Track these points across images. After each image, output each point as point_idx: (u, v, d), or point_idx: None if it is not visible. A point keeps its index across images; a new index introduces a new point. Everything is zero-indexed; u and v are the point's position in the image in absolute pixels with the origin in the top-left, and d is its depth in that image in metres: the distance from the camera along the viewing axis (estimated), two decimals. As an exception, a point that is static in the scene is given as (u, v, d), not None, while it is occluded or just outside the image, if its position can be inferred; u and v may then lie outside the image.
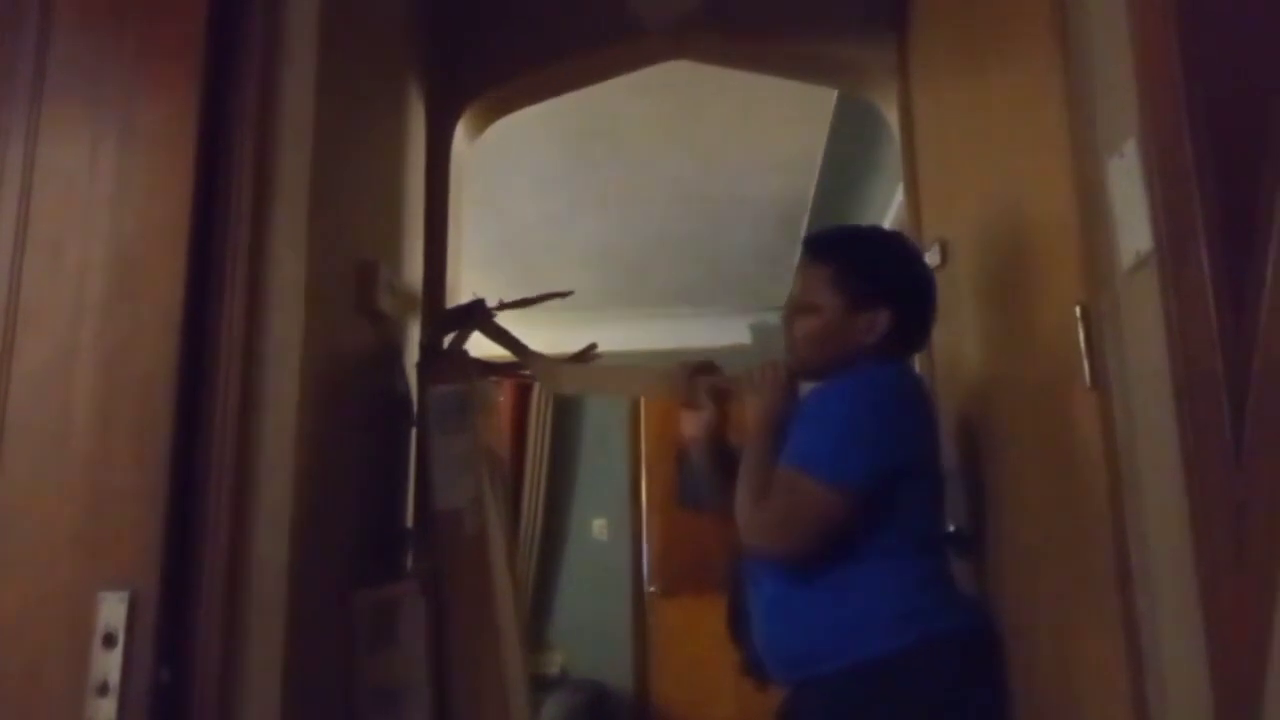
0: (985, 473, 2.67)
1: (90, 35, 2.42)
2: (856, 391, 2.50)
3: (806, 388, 2.65)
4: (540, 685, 7.62)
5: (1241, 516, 1.38)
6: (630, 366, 3.47)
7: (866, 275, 2.58)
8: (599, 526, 8.94)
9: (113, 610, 2.06)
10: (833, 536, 2.37)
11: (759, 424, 2.59)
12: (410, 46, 3.46)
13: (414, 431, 3.15)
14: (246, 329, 2.27)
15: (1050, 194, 2.17)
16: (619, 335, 9.04)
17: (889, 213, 5.26)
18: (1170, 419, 1.59)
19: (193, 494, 2.17)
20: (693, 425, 2.94)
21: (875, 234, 2.85)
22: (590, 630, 8.62)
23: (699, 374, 2.93)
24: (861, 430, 2.43)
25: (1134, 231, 1.70)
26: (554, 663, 8.36)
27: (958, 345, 2.98)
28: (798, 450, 2.44)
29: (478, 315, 3.28)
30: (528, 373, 3.36)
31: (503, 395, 8.60)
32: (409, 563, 3.05)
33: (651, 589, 8.74)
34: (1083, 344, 1.99)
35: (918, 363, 3.37)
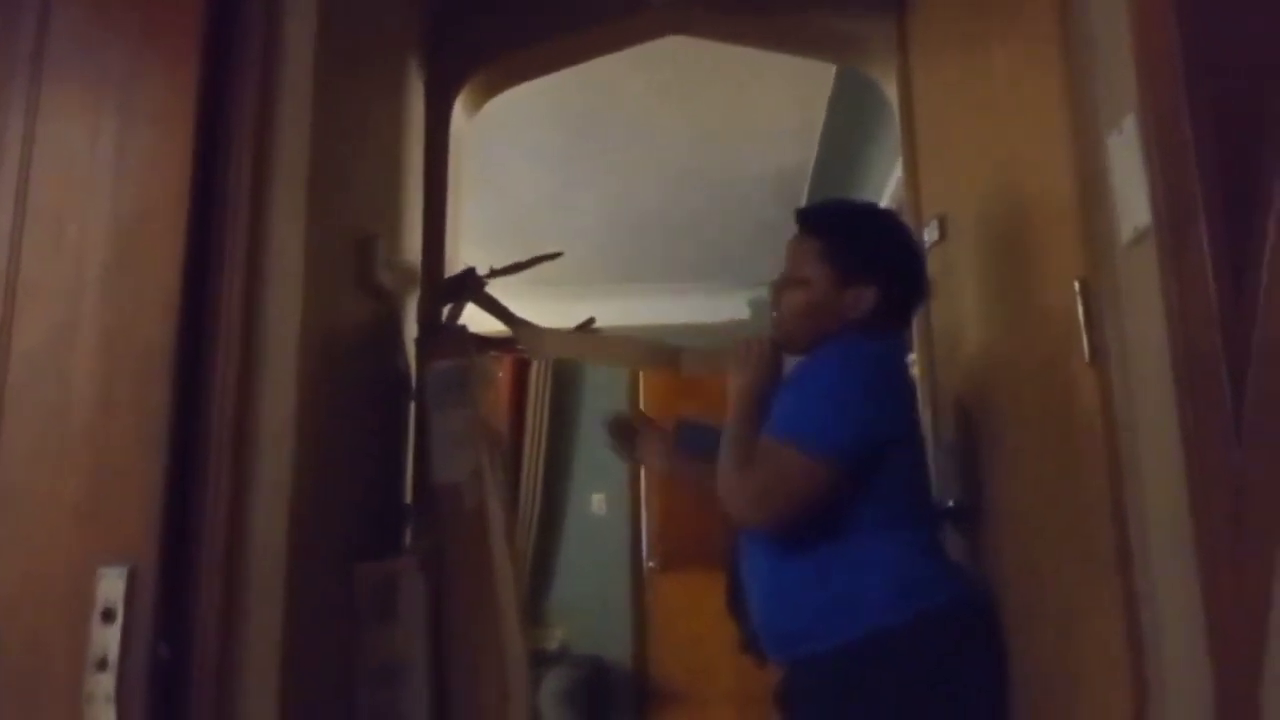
0: (985, 448, 2.67)
1: (90, 11, 2.42)
2: (842, 364, 2.50)
3: (791, 362, 2.65)
4: (540, 660, 7.64)
5: (1240, 494, 1.38)
6: (617, 336, 3.47)
7: (856, 250, 2.58)
8: (598, 501, 8.95)
9: (112, 585, 2.06)
10: (815, 507, 2.38)
11: (742, 396, 2.59)
12: (409, 22, 3.45)
13: (413, 406, 3.15)
14: (245, 305, 2.26)
15: (1050, 169, 2.17)
16: (618, 310, 9.05)
17: (888, 188, 5.25)
18: (1170, 395, 1.59)
19: (192, 469, 2.18)
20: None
21: (867, 209, 2.85)
22: (589, 605, 8.64)
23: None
24: (845, 401, 2.43)
25: (1133, 207, 1.70)
26: (553, 638, 8.38)
27: (957, 321, 2.98)
28: (782, 420, 2.46)
29: (470, 285, 3.27)
30: (521, 346, 3.36)
31: (501, 370, 8.61)
32: (408, 538, 3.05)
33: (650, 564, 8.76)
34: (1082, 319, 1.99)
35: (916, 341, 3.37)
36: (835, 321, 2.56)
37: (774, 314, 2.69)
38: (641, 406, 8.92)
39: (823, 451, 2.36)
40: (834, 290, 2.55)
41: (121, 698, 2.02)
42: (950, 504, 2.77)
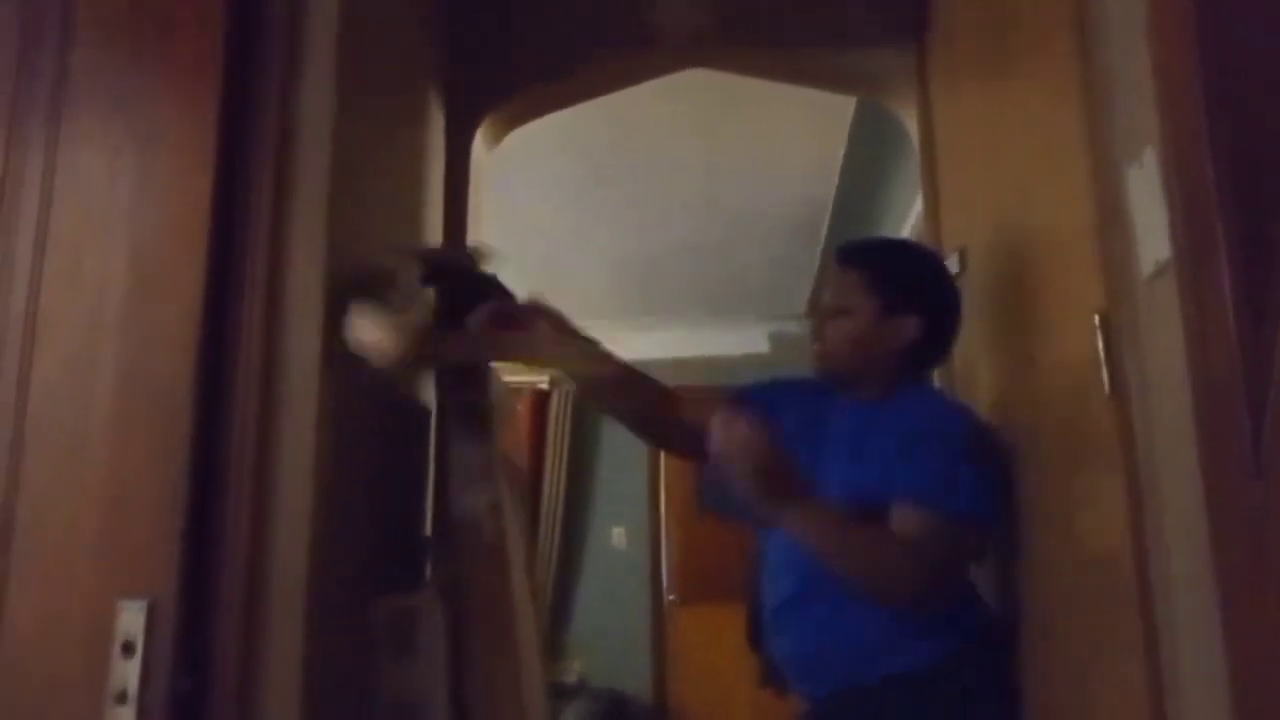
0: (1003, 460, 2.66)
1: (110, 44, 2.43)
2: (954, 417, 2.56)
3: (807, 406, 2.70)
4: (559, 694, 7.63)
5: (1262, 527, 1.37)
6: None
7: (900, 281, 2.59)
8: (618, 535, 8.95)
9: (132, 619, 2.07)
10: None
11: (777, 496, 2.33)
12: (429, 55, 3.47)
13: (433, 438, 3.15)
14: (265, 337, 2.27)
15: (1069, 202, 2.16)
16: (637, 344, 9.08)
17: (908, 221, 5.25)
18: (1190, 429, 1.58)
19: (212, 502, 2.18)
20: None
21: (908, 244, 2.91)
22: (609, 638, 8.63)
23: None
24: (983, 465, 2.44)
25: (1153, 240, 1.70)
26: (573, 671, 8.36)
27: (976, 353, 2.97)
28: (933, 491, 2.38)
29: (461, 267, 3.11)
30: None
31: (521, 403, 8.62)
32: (428, 571, 3.05)
33: (670, 597, 8.75)
34: (1102, 352, 1.98)
35: (935, 374, 3.37)
36: (881, 352, 2.56)
37: (816, 345, 2.66)
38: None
39: (984, 522, 2.44)
40: (879, 320, 2.55)
41: (141, 731, 2.02)
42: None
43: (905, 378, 2.61)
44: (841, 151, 5.82)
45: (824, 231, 6.99)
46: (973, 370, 3.01)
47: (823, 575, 2.42)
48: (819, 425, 2.63)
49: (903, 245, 2.85)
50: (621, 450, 9.07)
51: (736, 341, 8.79)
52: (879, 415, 2.53)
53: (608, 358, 2.79)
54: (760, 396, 2.80)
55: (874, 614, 2.40)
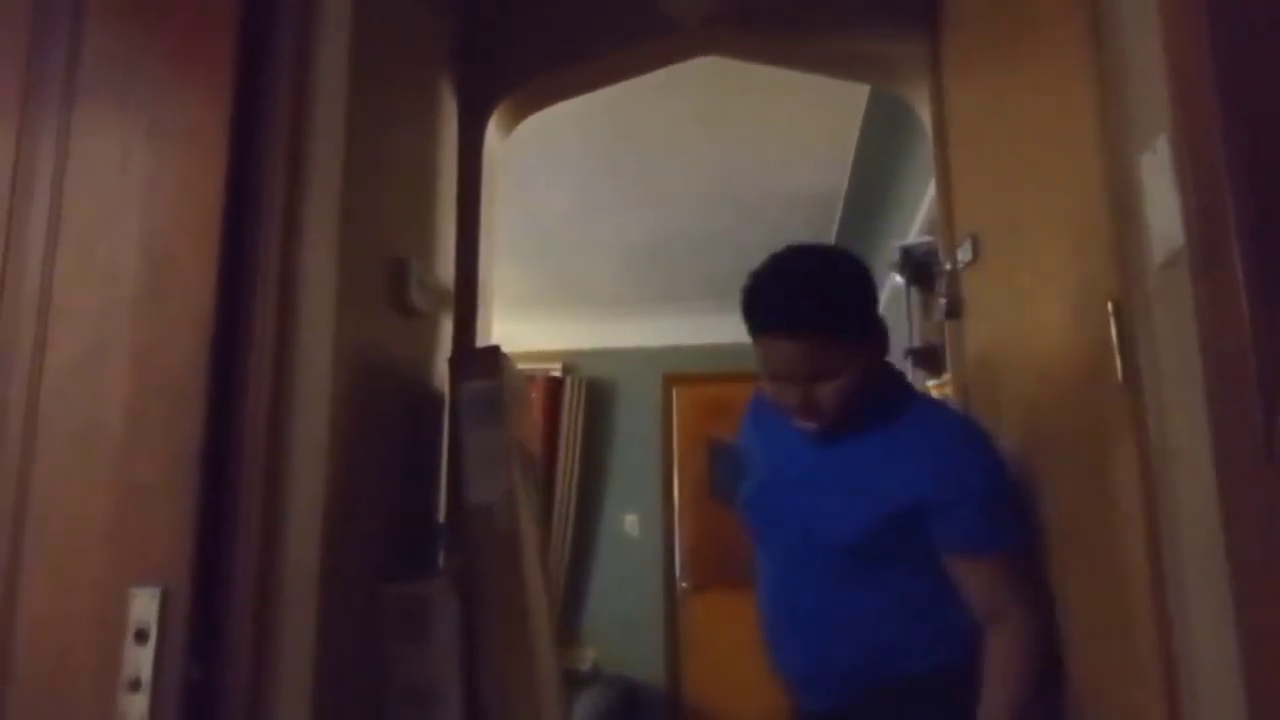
0: (1015, 470, 2.66)
1: (121, 34, 2.43)
2: (974, 439, 2.53)
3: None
4: (572, 681, 7.64)
5: (1274, 514, 1.37)
6: None
7: (857, 320, 2.50)
8: (631, 522, 8.96)
9: (145, 606, 2.07)
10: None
11: None
12: (442, 43, 3.47)
13: (446, 427, 3.15)
14: (278, 325, 2.27)
15: (1082, 190, 2.16)
16: (649, 330, 9.09)
17: (921, 208, 5.24)
18: (1202, 416, 1.58)
19: (224, 490, 2.18)
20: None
21: (835, 273, 2.55)
22: (622, 626, 8.64)
23: None
24: (1010, 488, 2.49)
25: (1166, 228, 1.69)
26: (586, 658, 8.38)
27: (989, 341, 2.97)
28: (997, 535, 2.45)
29: None
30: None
31: (535, 390, 8.63)
32: (441, 559, 3.05)
33: (683, 584, 8.76)
34: (1115, 340, 1.98)
35: (949, 360, 3.36)
36: (863, 383, 2.51)
37: (806, 412, 2.53)
38: (675, 424, 8.93)
39: (1026, 538, 2.50)
40: (859, 358, 2.48)
41: (155, 718, 2.03)
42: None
43: (880, 398, 2.59)
44: (854, 139, 5.81)
45: (837, 219, 6.98)
46: (986, 357, 3.01)
47: (831, 586, 2.53)
48: (792, 459, 2.67)
49: (834, 280, 2.53)
50: (635, 437, 9.08)
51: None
52: (866, 444, 2.55)
53: None
54: (751, 442, 2.89)
55: (888, 621, 2.49)
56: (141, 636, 2.06)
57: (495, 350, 3.18)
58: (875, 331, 2.54)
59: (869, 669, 2.50)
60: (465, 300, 3.56)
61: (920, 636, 2.49)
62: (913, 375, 5.52)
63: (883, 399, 2.58)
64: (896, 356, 6.26)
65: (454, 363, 3.20)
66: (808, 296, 2.45)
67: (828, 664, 2.56)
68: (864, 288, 2.54)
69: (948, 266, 3.33)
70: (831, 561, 2.51)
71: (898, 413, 2.57)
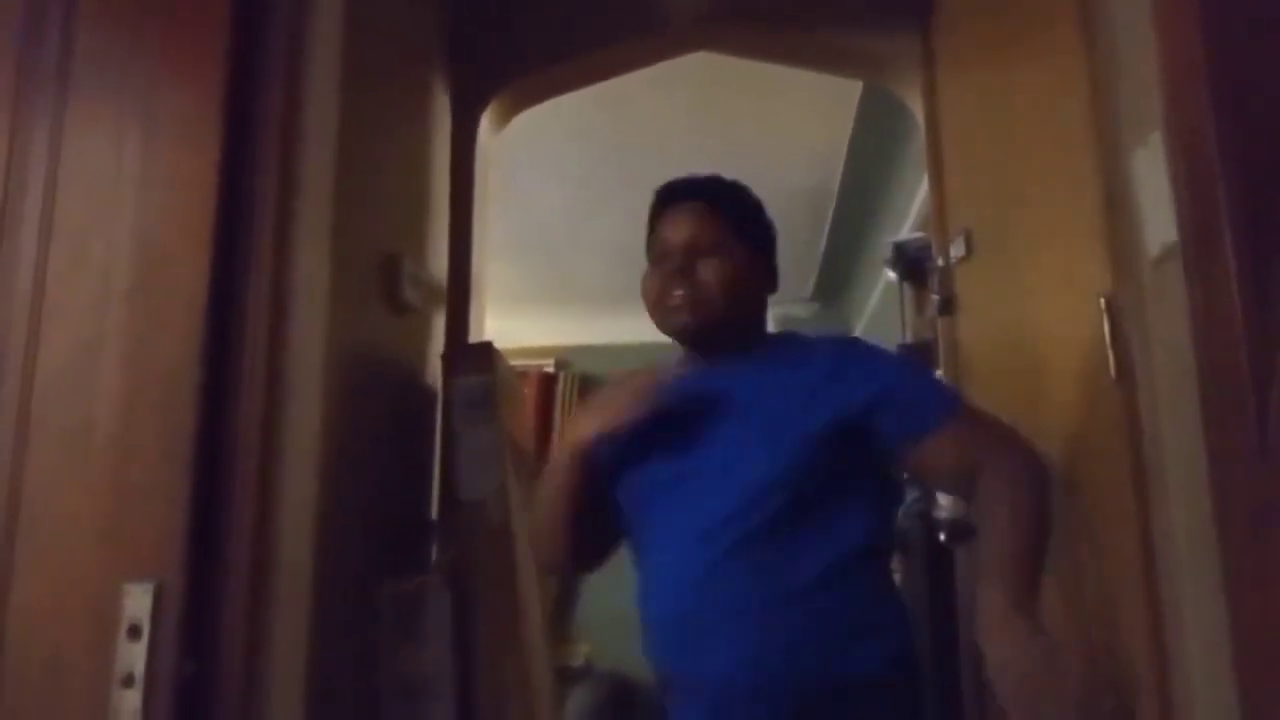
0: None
1: (114, 28, 2.43)
2: (860, 342, 2.43)
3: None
4: (565, 677, 7.63)
5: (1266, 509, 1.37)
6: None
7: (759, 223, 2.45)
8: (624, 517, 8.95)
9: (138, 602, 2.07)
10: None
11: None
12: (435, 39, 3.47)
13: (438, 422, 3.15)
14: (271, 321, 2.27)
15: (1075, 185, 2.16)
16: (642, 327, 9.08)
17: (914, 203, 5.24)
18: (1195, 412, 1.58)
19: (217, 486, 2.18)
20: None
21: (743, 187, 2.51)
22: (615, 621, 8.62)
23: None
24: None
25: (1159, 223, 1.70)
26: (579, 654, 8.37)
27: (981, 337, 2.97)
28: (948, 398, 2.26)
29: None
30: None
31: (528, 386, 8.62)
32: (434, 554, 3.05)
33: (676, 580, 8.74)
34: (1107, 336, 1.98)
35: (942, 356, 3.36)
36: (750, 297, 2.37)
37: (681, 291, 2.30)
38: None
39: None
40: (751, 263, 2.35)
41: (148, 714, 2.03)
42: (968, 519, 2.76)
43: (762, 329, 2.47)
44: (848, 135, 5.81)
45: (830, 215, 6.98)
46: (979, 351, 3.01)
47: (759, 552, 2.09)
48: (681, 419, 2.26)
49: (745, 189, 2.50)
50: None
51: (742, 325, 8.78)
52: (772, 371, 2.28)
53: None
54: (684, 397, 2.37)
55: (838, 588, 2.09)
56: (134, 632, 2.06)
57: (488, 346, 3.18)
58: (771, 258, 2.45)
59: (818, 662, 2.06)
60: (458, 296, 3.56)
61: (881, 610, 2.16)
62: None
63: (765, 333, 2.47)
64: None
65: (446, 359, 3.21)
66: (719, 180, 2.46)
67: (761, 663, 2.05)
68: (767, 216, 2.49)
69: (940, 262, 3.33)
70: (756, 518, 2.09)
71: (786, 340, 2.44)
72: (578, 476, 2.29)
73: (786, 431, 2.14)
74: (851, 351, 2.33)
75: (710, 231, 2.32)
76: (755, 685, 2.06)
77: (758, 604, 2.08)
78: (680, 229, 2.34)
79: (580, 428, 2.29)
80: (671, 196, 2.44)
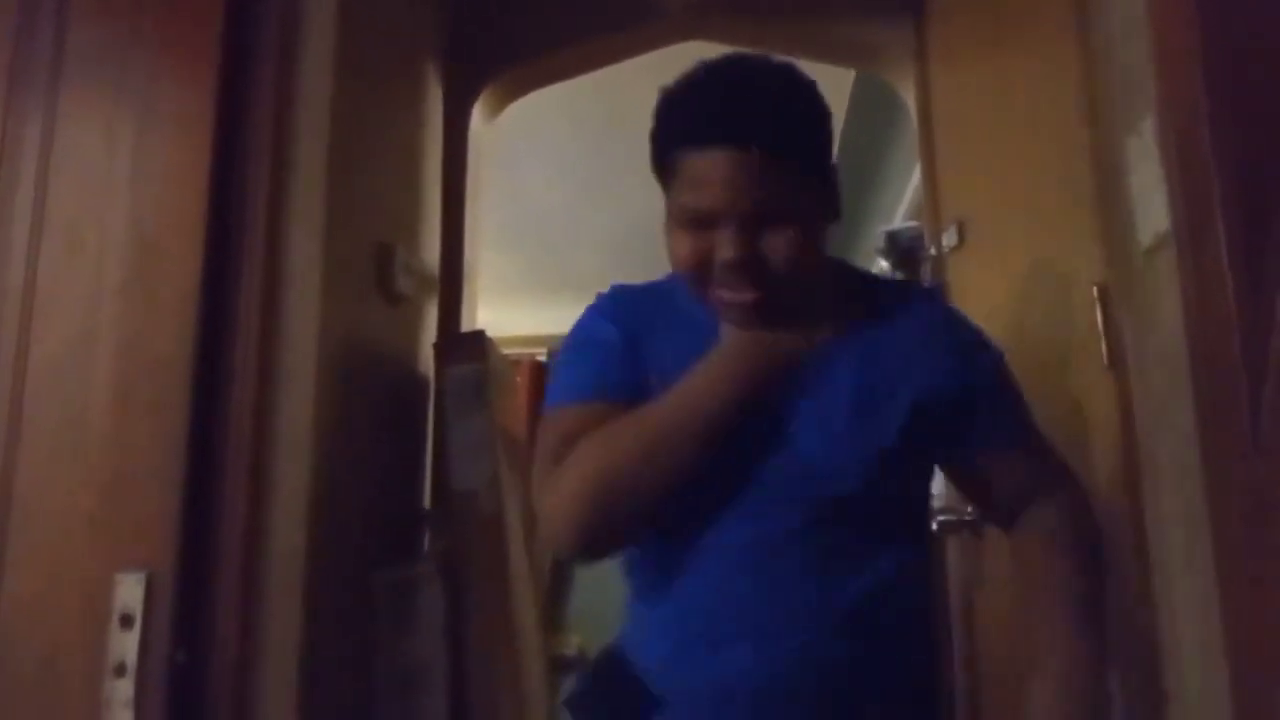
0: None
1: (108, 19, 2.43)
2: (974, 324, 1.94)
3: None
4: (558, 667, 7.64)
5: (1258, 501, 1.37)
6: None
7: (824, 147, 1.77)
8: (616, 506, 8.94)
9: (130, 592, 2.07)
10: None
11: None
12: (427, 28, 3.46)
13: (431, 412, 3.15)
14: (264, 312, 2.27)
15: (1068, 173, 2.16)
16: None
17: (906, 193, 5.24)
18: (1188, 402, 1.58)
19: (210, 476, 2.18)
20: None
21: (794, 80, 1.78)
22: (608, 611, 8.62)
23: None
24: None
25: (1152, 212, 1.69)
26: (571, 644, 8.37)
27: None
28: (1030, 412, 1.89)
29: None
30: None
31: (520, 375, 8.61)
32: (426, 544, 3.05)
33: (669, 570, 8.74)
34: (1100, 324, 1.98)
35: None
36: (823, 250, 1.77)
37: (745, 290, 1.68)
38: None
39: None
40: (813, 212, 1.71)
41: (140, 703, 2.03)
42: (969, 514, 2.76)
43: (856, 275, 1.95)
44: (840, 124, 5.80)
45: (822, 204, 6.97)
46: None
47: (824, 552, 1.68)
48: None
49: (799, 86, 1.77)
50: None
51: (735, 315, 8.78)
52: (853, 338, 1.79)
53: None
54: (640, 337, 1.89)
55: (888, 604, 1.71)
56: (127, 622, 2.06)
57: (480, 335, 3.17)
58: (836, 181, 1.78)
59: (868, 675, 1.70)
60: (450, 286, 3.55)
61: (918, 630, 1.81)
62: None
63: (844, 280, 1.91)
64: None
65: (439, 348, 3.20)
66: (766, 97, 1.70)
67: (817, 665, 1.67)
68: (828, 111, 1.78)
69: (933, 252, 3.33)
70: (824, 515, 1.69)
71: (870, 295, 1.89)
72: (723, 429, 1.69)
73: (881, 419, 1.73)
74: (961, 334, 1.89)
75: (774, 189, 1.63)
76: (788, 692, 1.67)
77: (806, 611, 1.68)
78: (729, 190, 1.63)
79: (760, 357, 1.73)
80: (705, 136, 1.66)
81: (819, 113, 1.76)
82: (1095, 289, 2.00)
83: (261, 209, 2.31)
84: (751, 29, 3.95)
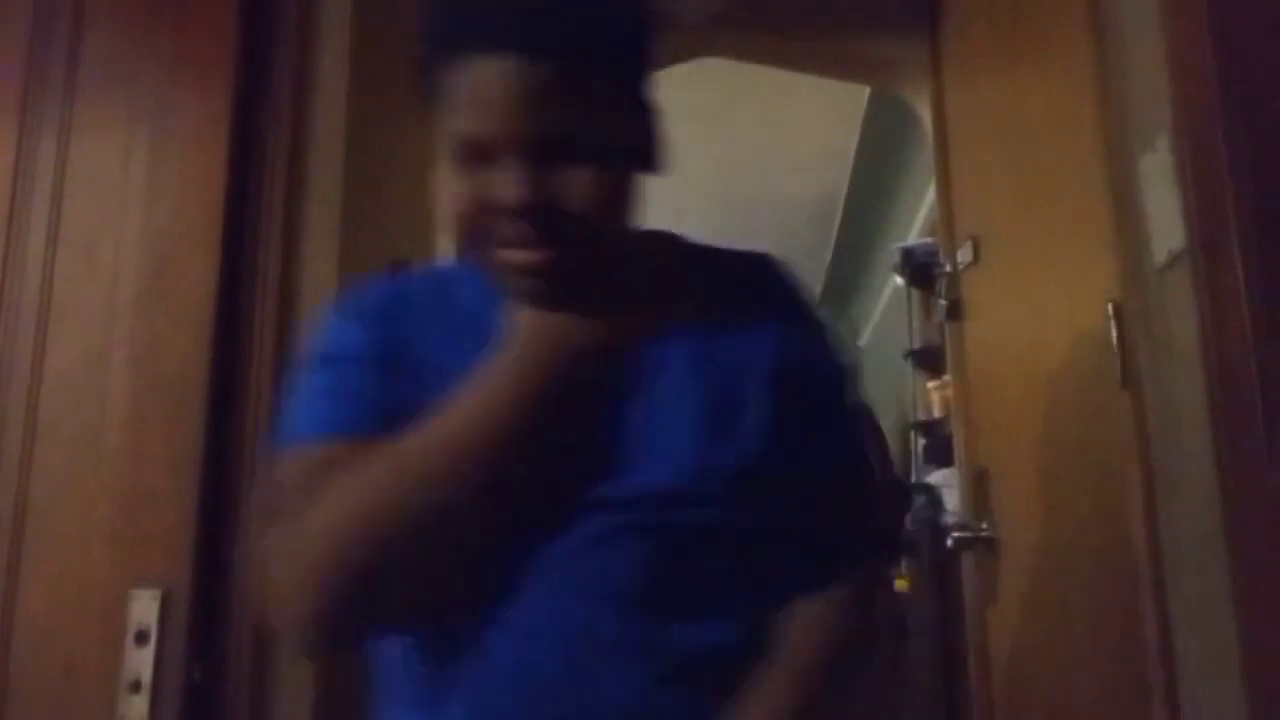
0: (1014, 472, 2.65)
1: (123, 34, 2.43)
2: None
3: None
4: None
5: (1276, 515, 1.37)
6: None
7: (641, 55, 1.38)
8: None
9: (145, 608, 2.07)
10: None
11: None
12: (442, 44, 3.46)
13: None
14: (278, 328, 2.27)
15: (1083, 190, 2.16)
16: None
17: (921, 209, 5.25)
18: (1204, 417, 1.58)
19: (225, 492, 2.18)
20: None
21: None
22: None
23: None
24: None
25: (1167, 229, 1.69)
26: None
27: (989, 342, 2.96)
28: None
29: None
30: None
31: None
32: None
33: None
34: (1115, 342, 1.98)
35: (949, 362, 3.36)
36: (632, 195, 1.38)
37: (532, 244, 1.24)
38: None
39: None
40: (623, 145, 1.33)
41: None
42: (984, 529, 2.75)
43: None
44: (855, 140, 5.82)
45: (837, 220, 6.99)
46: (987, 358, 3.01)
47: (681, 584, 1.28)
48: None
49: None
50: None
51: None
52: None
53: None
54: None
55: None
56: (142, 638, 2.06)
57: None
58: (656, 117, 1.41)
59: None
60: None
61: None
62: (913, 376, 5.51)
63: (675, 251, 1.57)
64: (896, 357, 6.26)
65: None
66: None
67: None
68: (651, 19, 1.38)
69: (948, 268, 3.33)
70: (666, 554, 1.27)
71: (710, 272, 1.51)
72: (517, 451, 1.26)
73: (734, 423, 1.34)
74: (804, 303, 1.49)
75: (571, 112, 1.24)
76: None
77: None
78: (516, 110, 1.23)
79: (561, 345, 1.30)
80: (496, 37, 1.26)
81: (638, 19, 1.36)
82: (1110, 305, 2.00)
83: (277, 223, 2.31)
84: (765, 45, 3.96)
